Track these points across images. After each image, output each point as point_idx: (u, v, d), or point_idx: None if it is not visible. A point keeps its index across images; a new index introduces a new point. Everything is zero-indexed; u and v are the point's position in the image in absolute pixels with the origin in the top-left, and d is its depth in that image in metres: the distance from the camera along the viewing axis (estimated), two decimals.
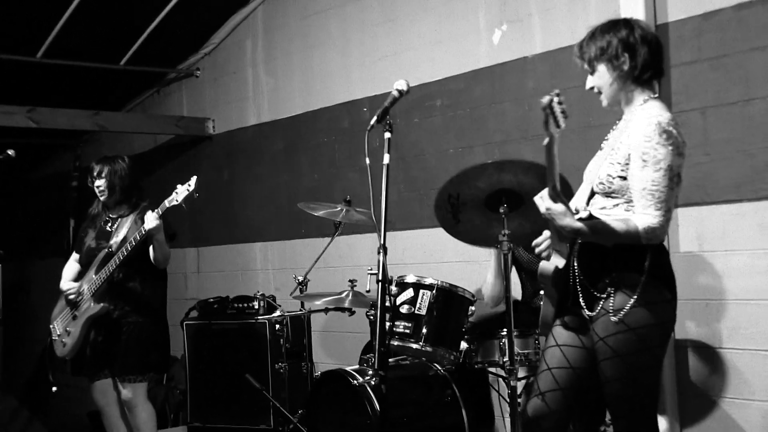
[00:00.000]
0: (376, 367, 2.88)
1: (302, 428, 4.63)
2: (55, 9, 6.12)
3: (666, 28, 4.39)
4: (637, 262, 2.81)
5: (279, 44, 6.67)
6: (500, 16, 5.14)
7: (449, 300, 4.12)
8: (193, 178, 4.27)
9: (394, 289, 4.17)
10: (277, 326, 5.14)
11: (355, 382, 4.09)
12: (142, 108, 8.00)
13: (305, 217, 5.78)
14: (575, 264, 2.94)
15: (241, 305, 5.76)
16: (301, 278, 5.13)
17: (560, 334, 3.03)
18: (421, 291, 4.11)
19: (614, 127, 3.10)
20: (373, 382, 4.04)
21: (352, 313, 5.02)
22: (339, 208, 4.94)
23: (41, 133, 7.32)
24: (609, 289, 2.83)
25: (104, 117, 6.96)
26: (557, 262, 2.97)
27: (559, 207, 2.70)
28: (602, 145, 3.10)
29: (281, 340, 5.17)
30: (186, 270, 7.43)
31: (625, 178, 2.83)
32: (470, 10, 5.27)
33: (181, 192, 4.26)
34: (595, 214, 2.92)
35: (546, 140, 2.65)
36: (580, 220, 2.80)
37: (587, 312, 2.90)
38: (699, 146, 4.29)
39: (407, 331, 4.09)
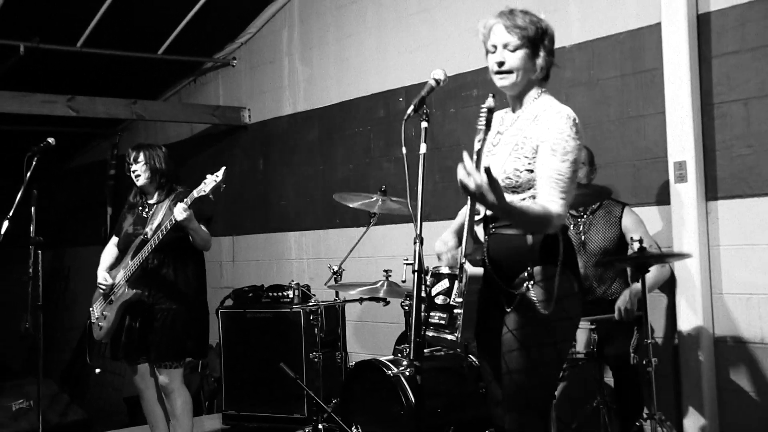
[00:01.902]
0: (410, 357, 2.86)
1: (336, 417, 4.64)
2: None
3: (708, 17, 4.32)
4: (550, 255, 2.81)
5: (315, 34, 6.67)
6: (538, 5, 5.05)
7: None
8: (221, 169, 4.27)
9: (429, 279, 4.15)
10: (312, 315, 5.15)
11: (390, 372, 4.09)
12: (178, 97, 8.06)
13: (340, 207, 5.77)
14: (488, 265, 2.90)
15: (275, 294, 5.77)
16: (335, 268, 5.13)
17: (487, 341, 3.00)
18: (457, 282, 4.08)
19: (502, 122, 3.02)
20: (407, 373, 4.04)
21: (386, 303, 5.02)
22: (374, 198, 4.94)
23: (80, 121, 7.41)
24: (526, 284, 2.81)
25: (142, 106, 7.03)
26: (473, 270, 2.90)
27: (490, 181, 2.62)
28: (495, 140, 2.98)
29: (316, 329, 5.18)
30: (221, 258, 7.49)
31: (531, 171, 2.81)
32: None
33: (209, 182, 4.27)
34: None
35: (479, 146, 2.58)
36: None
37: (507, 308, 2.87)
38: (741, 138, 4.22)
39: (442, 321, 4.06)
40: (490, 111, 2.62)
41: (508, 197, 2.82)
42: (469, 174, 2.51)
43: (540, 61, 2.92)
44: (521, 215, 2.70)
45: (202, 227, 4.52)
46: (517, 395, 2.86)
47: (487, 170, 2.52)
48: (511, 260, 2.85)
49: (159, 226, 4.48)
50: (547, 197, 2.73)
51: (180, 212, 4.27)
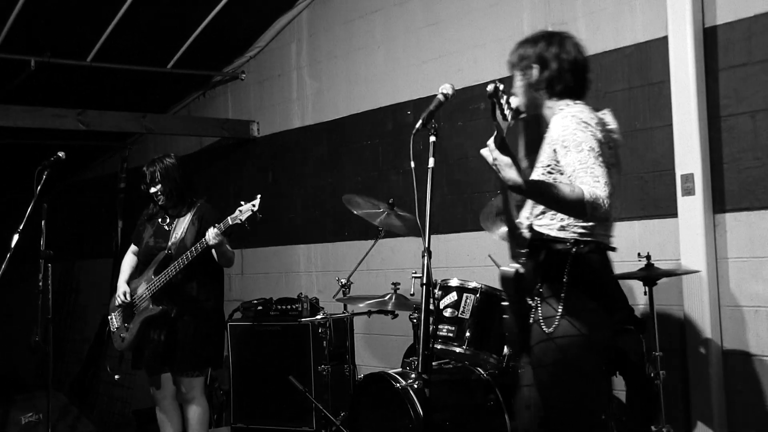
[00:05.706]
0: (419, 370, 2.88)
1: (344, 430, 4.64)
2: (105, 14, 6.23)
3: (715, 30, 4.33)
4: (557, 272, 2.83)
5: (323, 47, 6.71)
6: (545, 19, 5.10)
7: (493, 304, 4.11)
8: (257, 198, 4.29)
9: (437, 292, 4.16)
10: (320, 328, 5.16)
11: (398, 385, 4.09)
12: (188, 110, 8.11)
13: (349, 220, 5.79)
14: (521, 275, 2.95)
15: (284, 307, 5.79)
16: (344, 281, 5.14)
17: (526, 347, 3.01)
18: (465, 294, 4.11)
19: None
20: (415, 386, 4.04)
21: (395, 316, 5.03)
22: (382, 210, 4.96)
23: (90, 135, 7.45)
24: (536, 299, 2.87)
25: (151, 119, 7.07)
26: (503, 270, 2.96)
27: (506, 158, 2.66)
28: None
29: (324, 342, 5.18)
30: (230, 271, 7.50)
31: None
32: (514, 13, 5.25)
33: (245, 211, 4.30)
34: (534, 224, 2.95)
35: (495, 136, 2.64)
36: (530, 181, 2.75)
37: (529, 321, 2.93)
38: (749, 151, 4.22)
39: (450, 334, 4.09)
40: (492, 96, 2.67)
41: (537, 209, 2.90)
42: (490, 151, 2.66)
43: (524, 78, 3.04)
44: (541, 189, 2.73)
45: (228, 247, 4.57)
46: (550, 411, 2.89)
47: (502, 142, 2.61)
48: (529, 275, 2.90)
49: (183, 241, 4.53)
50: (582, 184, 2.71)
51: (212, 238, 4.34)
